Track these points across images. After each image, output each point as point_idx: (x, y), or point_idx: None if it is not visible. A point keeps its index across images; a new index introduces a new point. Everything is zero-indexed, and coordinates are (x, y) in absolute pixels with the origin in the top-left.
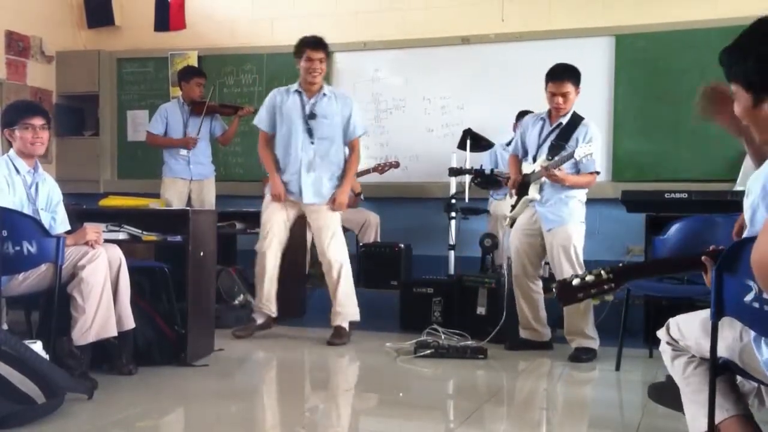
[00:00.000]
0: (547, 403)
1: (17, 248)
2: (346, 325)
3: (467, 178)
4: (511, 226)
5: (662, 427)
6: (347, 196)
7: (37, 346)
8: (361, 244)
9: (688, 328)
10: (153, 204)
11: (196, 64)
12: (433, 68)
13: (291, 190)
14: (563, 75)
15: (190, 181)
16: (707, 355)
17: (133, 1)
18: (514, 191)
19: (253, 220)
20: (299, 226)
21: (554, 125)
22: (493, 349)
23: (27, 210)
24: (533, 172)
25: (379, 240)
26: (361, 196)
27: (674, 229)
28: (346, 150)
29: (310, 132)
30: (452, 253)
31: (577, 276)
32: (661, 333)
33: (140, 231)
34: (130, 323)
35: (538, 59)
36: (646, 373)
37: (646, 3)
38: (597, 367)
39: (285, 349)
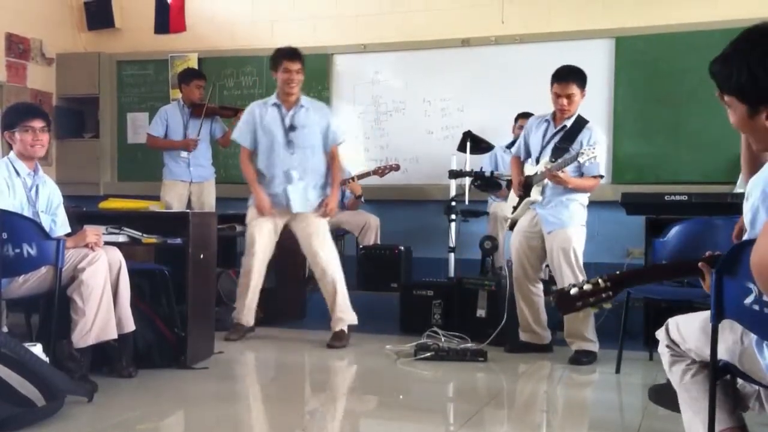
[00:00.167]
0: (548, 405)
1: (17, 251)
2: (346, 329)
3: (467, 181)
4: (511, 228)
5: (662, 430)
6: (337, 202)
7: (37, 349)
8: (361, 246)
9: (687, 330)
10: (153, 206)
11: (196, 67)
12: (433, 70)
13: (279, 203)
14: (568, 76)
15: (190, 184)
16: (707, 358)
17: (134, 3)
18: (516, 193)
19: None
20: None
21: (558, 127)
22: (493, 351)
23: (27, 212)
24: (536, 174)
25: (379, 242)
26: (362, 199)
27: (674, 231)
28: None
29: (291, 143)
30: (452, 255)
31: (575, 285)
32: (660, 334)
33: (140, 233)
34: (130, 326)
35: (539, 61)
36: (646, 375)
37: (646, 5)
38: (597, 370)
39: (285, 351)
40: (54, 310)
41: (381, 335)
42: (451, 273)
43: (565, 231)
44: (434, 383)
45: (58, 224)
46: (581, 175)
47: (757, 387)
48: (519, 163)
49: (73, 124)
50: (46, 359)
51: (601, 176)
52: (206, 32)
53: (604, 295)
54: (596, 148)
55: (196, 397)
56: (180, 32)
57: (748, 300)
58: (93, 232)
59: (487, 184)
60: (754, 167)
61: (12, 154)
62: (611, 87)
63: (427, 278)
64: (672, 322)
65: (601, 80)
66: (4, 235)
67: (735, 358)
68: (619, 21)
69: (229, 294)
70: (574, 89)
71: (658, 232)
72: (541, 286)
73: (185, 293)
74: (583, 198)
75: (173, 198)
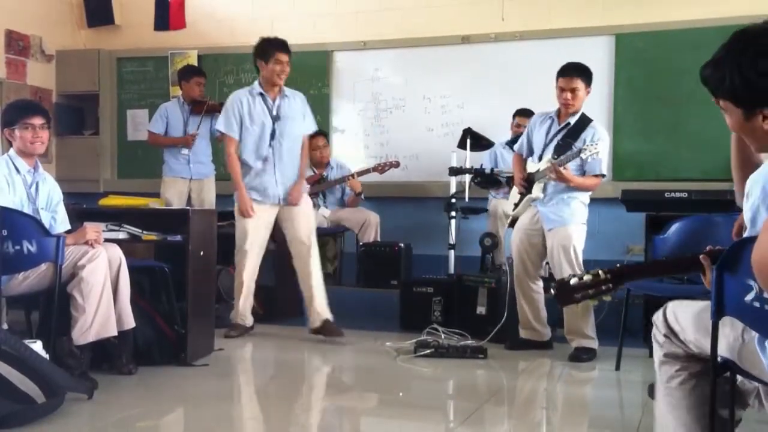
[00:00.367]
0: (548, 402)
1: (17, 247)
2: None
3: (467, 178)
4: (511, 225)
5: None
6: (301, 192)
7: (37, 346)
8: (361, 243)
9: (686, 319)
10: (153, 203)
11: (196, 64)
12: (433, 67)
13: (269, 194)
14: (573, 71)
15: (190, 181)
16: (707, 350)
17: None
18: (519, 189)
19: None
20: None
21: (562, 125)
22: (493, 348)
23: (27, 209)
24: (538, 170)
25: (379, 239)
26: (362, 196)
27: (674, 228)
28: None
29: (277, 133)
30: (452, 252)
31: (574, 276)
32: (657, 319)
33: (140, 230)
34: (130, 323)
35: (538, 59)
36: (646, 372)
37: (645, 3)
38: (597, 367)
39: (285, 348)
40: (54, 307)
41: (381, 332)
42: (451, 270)
43: (566, 228)
44: (434, 380)
45: (58, 221)
46: (584, 173)
47: (756, 384)
48: (521, 160)
49: (72, 121)
50: (46, 356)
51: (603, 175)
52: (206, 29)
53: (603, 287)
54: (599, 144)
55: (196, 395)
56: (180, 29)
57: (749, 297)
58: (93, 229)
59: (487, 181)
60: (747, 170)
61: (12, 151)
62: (611, 84)
63: (427, 275)
64: (670, 310)
65: (601, 78)
66: (4, 232)
67: (735, 354)
68: (619, 18)
69: (228, 291)
70: (579, 84)
71: (658, 229)
72: (541, 283)
73: (185, 290)
74: (585, 196)
75: (173, 195)
